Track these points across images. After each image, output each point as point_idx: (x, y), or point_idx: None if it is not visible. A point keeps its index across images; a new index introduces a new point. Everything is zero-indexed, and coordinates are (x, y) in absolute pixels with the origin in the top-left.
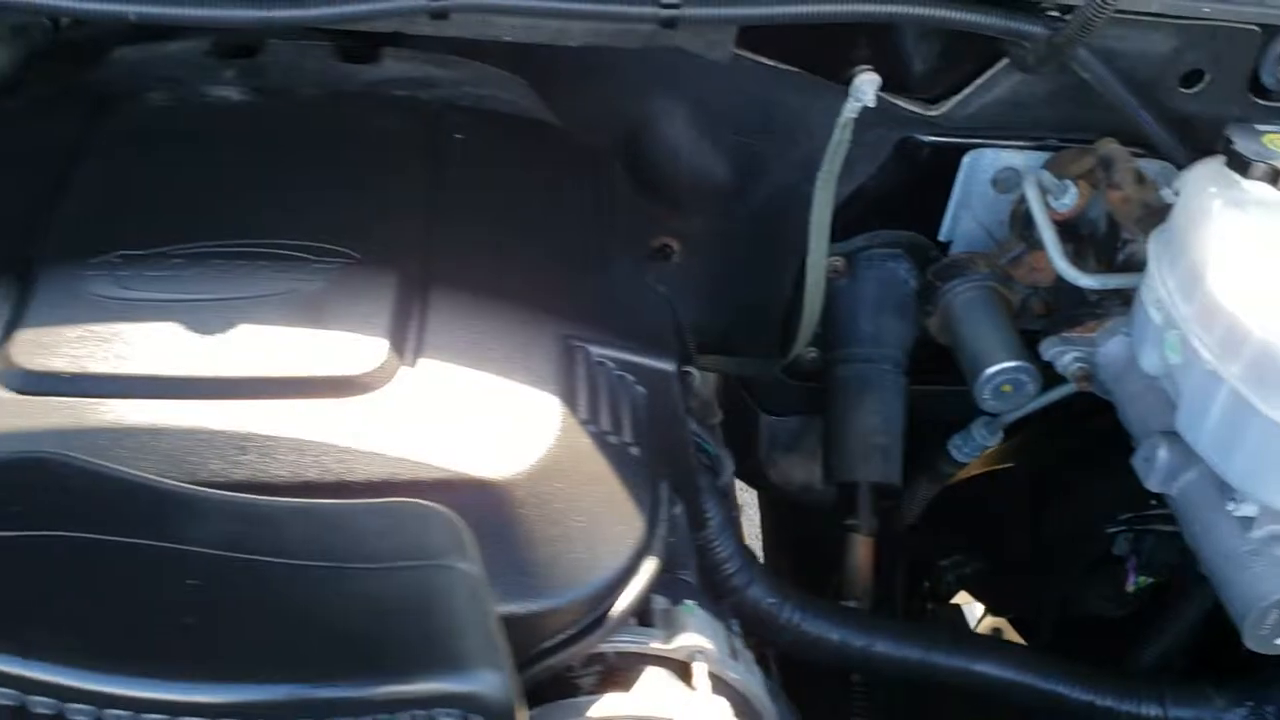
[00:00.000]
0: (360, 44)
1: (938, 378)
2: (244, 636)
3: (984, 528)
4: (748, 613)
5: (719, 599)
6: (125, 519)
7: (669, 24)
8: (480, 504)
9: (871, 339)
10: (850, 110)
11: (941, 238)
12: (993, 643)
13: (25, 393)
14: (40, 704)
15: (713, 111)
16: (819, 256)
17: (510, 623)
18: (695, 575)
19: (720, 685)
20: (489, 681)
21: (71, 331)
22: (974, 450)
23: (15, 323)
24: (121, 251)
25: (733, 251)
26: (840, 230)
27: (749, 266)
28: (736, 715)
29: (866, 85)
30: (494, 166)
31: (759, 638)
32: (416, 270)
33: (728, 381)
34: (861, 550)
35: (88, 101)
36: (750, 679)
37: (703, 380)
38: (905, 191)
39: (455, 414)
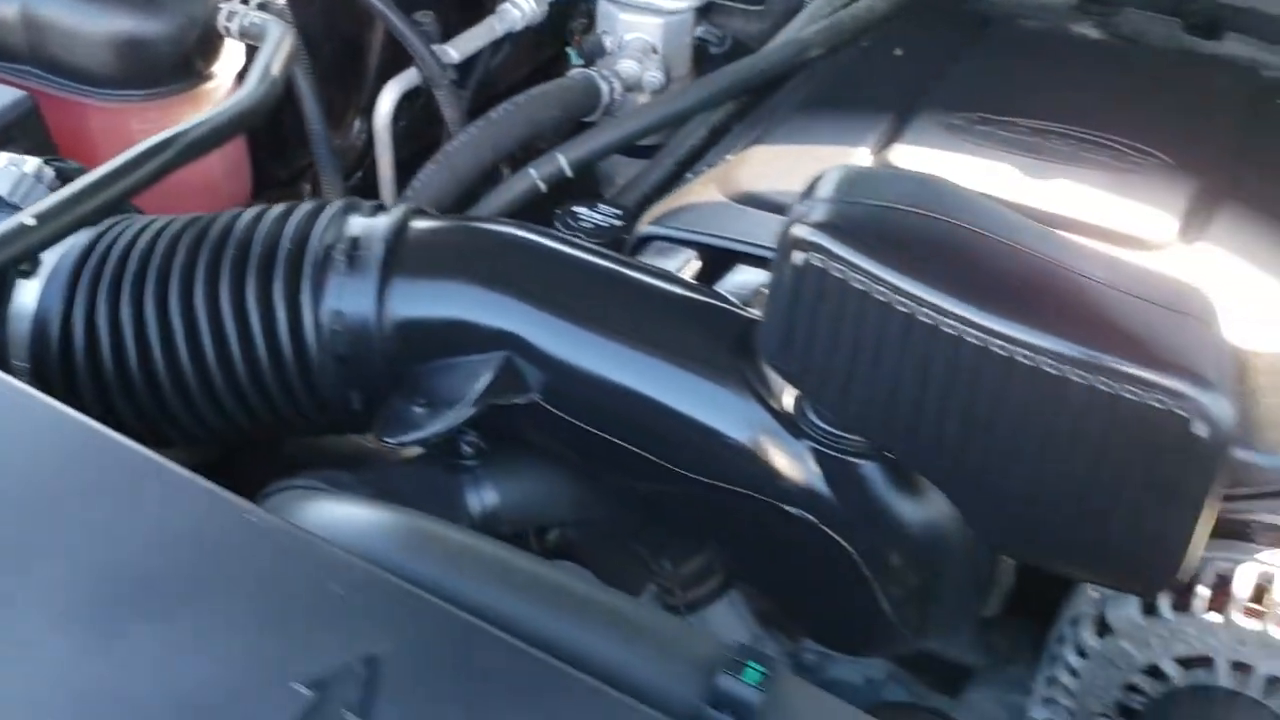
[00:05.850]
0: (1207, 21)
1: None
2: (1059, 307)
3: None
4: None
5: None
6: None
7: None
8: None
9: None
10: None
11: None
12: None
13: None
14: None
15: None
16: None
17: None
18: None
19: None
20: (1217, 401)
21: (934, 155)
22: None
23: (894, 139)
24: (981, 114)
25: None
26: None
27: None
28: None
29: None
30: None
31: None
32: (1216, 182)
33: None
34: None
35: (974, 21)
36: None
37: None
38: None
39: (1219, 289)
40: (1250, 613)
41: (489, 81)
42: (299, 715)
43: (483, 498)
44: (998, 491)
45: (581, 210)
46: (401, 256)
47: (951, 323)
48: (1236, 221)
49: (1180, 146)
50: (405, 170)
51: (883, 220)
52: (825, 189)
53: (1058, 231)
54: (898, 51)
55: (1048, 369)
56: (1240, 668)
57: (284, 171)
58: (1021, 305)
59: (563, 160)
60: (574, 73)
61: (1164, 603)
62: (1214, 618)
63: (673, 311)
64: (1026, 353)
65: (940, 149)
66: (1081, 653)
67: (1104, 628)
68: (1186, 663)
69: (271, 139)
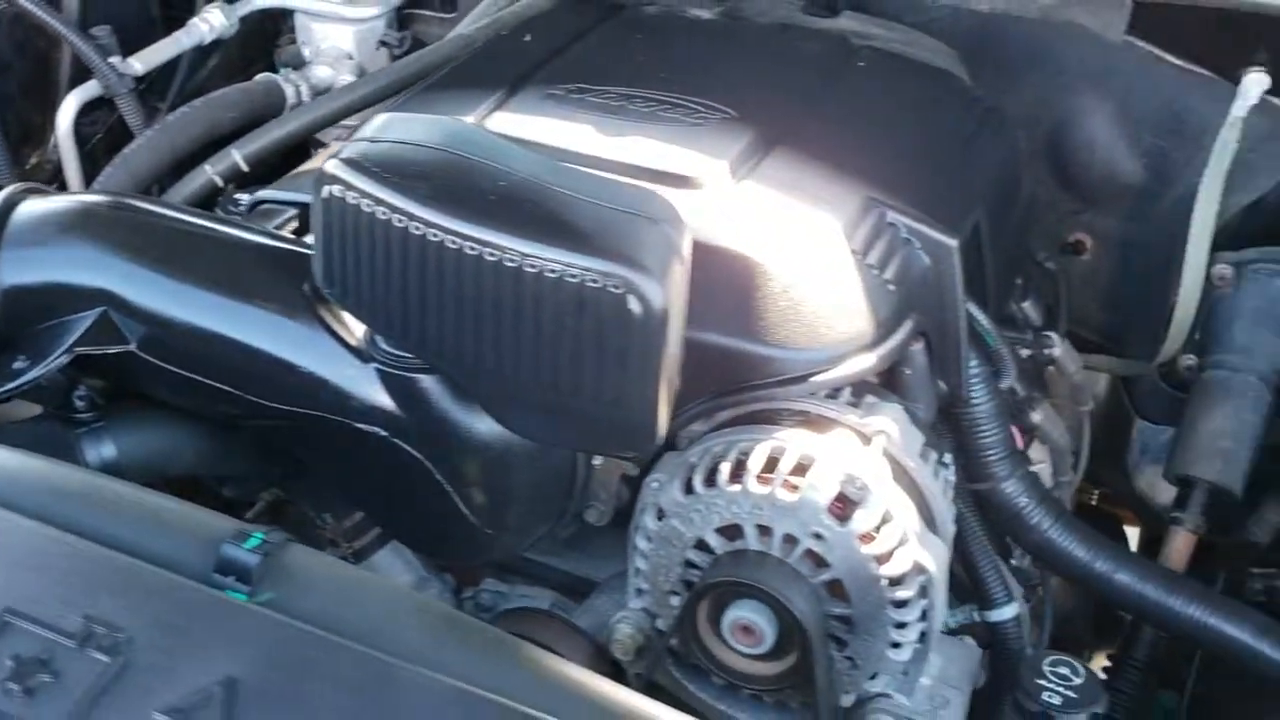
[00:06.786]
0: (826, 1)
1: None
2: (522, 212)
3: None
4: (999, 503)
5: (974, 482)
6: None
7: None
8: (741, 271)
9: (1243, 350)
10: (1238, 110)
11: None
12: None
13: None
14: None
15: (1132, 112)
16: (1197, 259)
17: (740, 356)
18: (927, 414)
19: (898, 470)
20: (649, 282)
21: (528, 119)
22: None
23: (498, 108)
24: (580, 84)
25: (1141, 254)
26: (1233, 240)
27: (1153, 270)
28: (907, 496)
29: (1253, 86)
30: (880, 86)
31: (1007, 533)
32: (774, 132)
33: (1115, 386)
34: (1179, 544)
35: (606, 7)
36: (930, 479)
37: (1086, 374)
38: None
39: (755, 217)
40: (762, 480)
41: (196, 94)
42: None
43: (101, 450)
44: (500, 382)
45: (242, 196)
46: (7, 231)
47: (435, 232)
48: (785, 163)
49: (751, 104)
50: None
51: (397, 155)
52: (363, 132)
53: (588, 170)
54: (527, 37)
55: (508, 263)
56: (763, 530)
57: None
58: (493, 213)
59: (237, 155)
60: (258, 76)
61: (698, 480)
62: (734, 488)
63: (256, 261)
64: (491, 250)
65: (535, 114)
66: (648, 538)
67: (660, 512)
68: (725, 532)
69: None
